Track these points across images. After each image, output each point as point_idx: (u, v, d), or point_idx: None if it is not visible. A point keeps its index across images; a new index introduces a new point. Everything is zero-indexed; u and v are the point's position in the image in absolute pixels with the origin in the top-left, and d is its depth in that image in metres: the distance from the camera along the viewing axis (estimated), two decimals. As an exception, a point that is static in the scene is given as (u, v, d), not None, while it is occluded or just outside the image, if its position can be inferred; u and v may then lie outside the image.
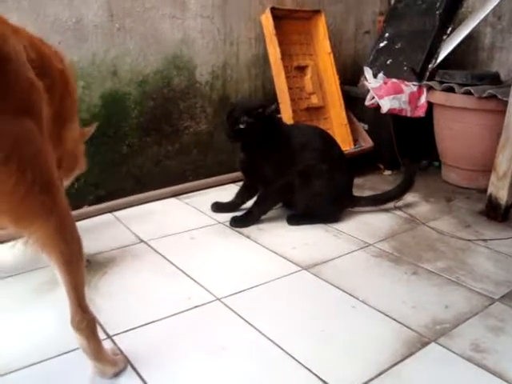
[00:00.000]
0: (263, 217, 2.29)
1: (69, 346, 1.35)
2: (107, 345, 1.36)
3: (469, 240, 2.14)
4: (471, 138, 2.70)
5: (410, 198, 2.48)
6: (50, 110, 1.22)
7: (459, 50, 3.00)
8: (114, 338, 1.43)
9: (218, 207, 2.39)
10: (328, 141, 2.32)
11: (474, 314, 1.60)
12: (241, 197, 2.39)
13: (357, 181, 2.50)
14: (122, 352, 1.36)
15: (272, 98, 2.82)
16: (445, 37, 2.88)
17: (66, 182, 1.74)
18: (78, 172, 1.75)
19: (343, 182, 2.30)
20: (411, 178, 2.44)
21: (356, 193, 2.42)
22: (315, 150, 2.22)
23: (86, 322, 1.21)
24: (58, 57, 1.42)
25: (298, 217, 2.29)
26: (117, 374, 1.27)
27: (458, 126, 2.72)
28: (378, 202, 2.44)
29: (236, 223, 2.23)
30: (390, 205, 2.46)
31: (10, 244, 1.73)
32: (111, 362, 1.28)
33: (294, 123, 2.65)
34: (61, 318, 1.29)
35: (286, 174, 2.19)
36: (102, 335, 1.42)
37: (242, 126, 2.12)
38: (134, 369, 1.30)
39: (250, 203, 2.32)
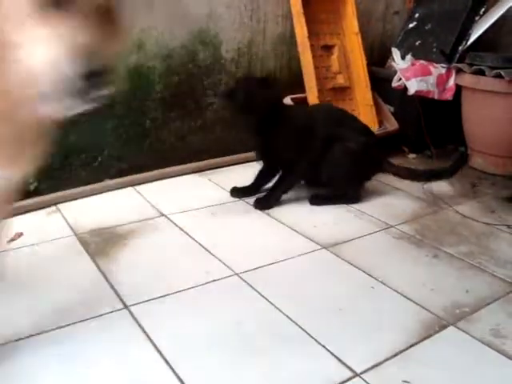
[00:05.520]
0: (284, 196, 2.27)
1: (84, 315, 1.38)
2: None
3: (493, 225, 2.11)
4: (500, 123, 2.64)
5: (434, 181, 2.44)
6: None
7: (491, 32, 2.92)
8: (130, 308, 1.44)
9: (238, 192, 2.32)
10: (344, 113, 2.36)
11: (494, 299, 1.58)
12: (260, 180, 2.34)
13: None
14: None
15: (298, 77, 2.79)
16: (477, 18, 2.81)
17: None
18: None
19: (366, 153, 2.24)
20: (454, 169, 2.39)
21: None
22: (332, 123, 2.25)
23: None
24: None
25: (321, 197, 2.27)
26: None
27: (487, 110, 2.67)
28: (408, 174, 2.36)
29: (259, 205, 2.20)
30: (414, 187, 2.41)
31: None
32: None
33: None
34: (69, 290, 1.32)
35: (305, 152, 2.18)
36: (119, 305, 1.44)
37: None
38: (150, 339, 1.31)
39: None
